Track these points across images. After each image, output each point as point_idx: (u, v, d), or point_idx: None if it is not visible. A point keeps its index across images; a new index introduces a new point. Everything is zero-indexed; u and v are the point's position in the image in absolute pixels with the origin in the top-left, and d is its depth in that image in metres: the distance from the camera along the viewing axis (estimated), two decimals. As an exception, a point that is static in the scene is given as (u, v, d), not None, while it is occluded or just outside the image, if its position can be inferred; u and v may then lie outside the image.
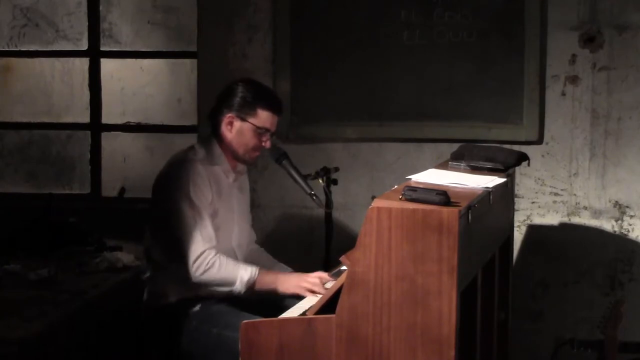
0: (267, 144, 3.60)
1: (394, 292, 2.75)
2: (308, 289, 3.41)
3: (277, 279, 3.48)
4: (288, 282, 3.47)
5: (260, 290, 3.46)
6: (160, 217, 3.52)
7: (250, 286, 3.43)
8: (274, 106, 3.58)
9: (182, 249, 3.41)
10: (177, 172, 3.49)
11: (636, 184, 4.53)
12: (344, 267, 3.27)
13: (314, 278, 3.46)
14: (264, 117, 3.55)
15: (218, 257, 3.42)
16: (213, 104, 3.64)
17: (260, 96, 3.56)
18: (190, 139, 4.98)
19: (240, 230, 3.71)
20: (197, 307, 3.47)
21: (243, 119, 3.55)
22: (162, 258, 3.54)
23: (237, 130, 3.56)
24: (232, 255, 3.62)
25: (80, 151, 5.35)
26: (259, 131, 3.55)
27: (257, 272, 3.45)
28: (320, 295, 3.30)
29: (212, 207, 3.51)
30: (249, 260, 3.73)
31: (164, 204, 3.50)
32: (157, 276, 3.56)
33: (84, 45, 5.28)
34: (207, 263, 3.39)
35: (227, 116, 3.55)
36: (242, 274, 3.43)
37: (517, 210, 4.53)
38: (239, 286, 3.42)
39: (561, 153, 4.58)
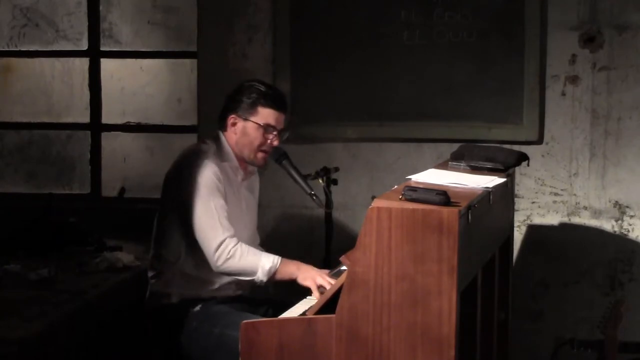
0: (275, 142, 3.59)
1: (394, 292, 2.75)
2: (320, 285, 3.40)
3: (298, 269, 3.46)
4: (307, 273, 3.45)
5: (281, 280, 3.46)
6: (175, 210, 3.51)
7: (272, 275, 3.43)
8: (275, 103, 3.58)
9: (201, 238, 3.42)
10: (193, 163, 3.50)
11: (636, 184, 4.53)
12: (344, 267, 3.27)
13: (331, 278, 3.45)
14: (265, 114, 3.56)
15: (240, 246, 3.42)
16: (222, 105, 3.67)
17: (261, 94, 3.57)
18: (191, 139, 4.98)
19: (246, 230, 3.71)
20: (197, 307, 3.47)
21: (245, 119, 3.56)
22: (171, 254, 3.53)
23: (240, 130, 3.57)
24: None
25: (80, 151, 5.35)
26: (263, 128, 3.55)
27: (279, 261, 3.44)
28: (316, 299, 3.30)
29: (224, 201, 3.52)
30: None
31: (179, 196, 3.49)
32: (161, 275, 3.56)
33: (84, 45, 5.28)
34: (229, 252, 3.40)
35: (231, 117, 3.58)
36: (263, 263, 3.42)
37: (517, 210, 4.53)
38: (260, 275, 3.42)
39: (561, 153, 4.58)
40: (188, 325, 3.45)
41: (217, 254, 3.40)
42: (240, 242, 3.44)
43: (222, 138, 3.61)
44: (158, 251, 3.60)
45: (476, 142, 4.23)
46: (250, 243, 3.76)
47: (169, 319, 3.49)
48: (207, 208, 3.43)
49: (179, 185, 3.50)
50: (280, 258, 3.47)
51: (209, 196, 3.44)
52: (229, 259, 3.40)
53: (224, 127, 3.61)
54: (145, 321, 3.61)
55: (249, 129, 3.56)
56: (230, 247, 3.40)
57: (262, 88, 3.61)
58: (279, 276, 3.44)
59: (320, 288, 3.38)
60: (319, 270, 3.53)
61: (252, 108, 3.55)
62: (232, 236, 3.43)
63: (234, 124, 3.57)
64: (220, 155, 3.57)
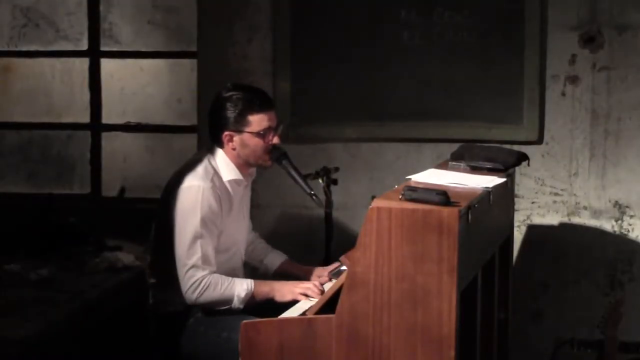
0: (275, 140, 3.56)
1: (394, 292, 2.75)
2: (302, 293, 3.40)
3: (272, 288, 3.45)
4: (283, 289, 3.45)
5: (259, 301, 3.45)
6: (168, 231, 3.47)
7: (248, 301, 3.43)
8: (263, 106, 3.51)
9: (179, 269, 3.40)
10: (188, 196, 3.42)
11: (636, 184, 4.53)
12: (344, 267, 3.27)
13: (308, 283, 3.46)
14: (257, 120, 3.49)
15: (212, 279, 3.40)
16: (208, 123, 3.59)
17: (245, 102, 3.49)
18: (191, 139, 4.99)
19: (245, 228, 3.72)
20: (202, 313, 3.46)
21: (240, 131, 3.49)
22: (170, 265, 3.47)
23: (239, 143, 3.51)
24: (240, 249, 3.65)
25: (80, 151, 5.35)
26: (261, 135, 3.52)
27: (252, 286, 3.43)
28: (315, 299, 3.30)
29: (223, 223, 3.48)
30: (245, 249, 3.75)
31: (171, 222, 3.44)
32: (163, 285, 3.52)
33: (84, 45, 5.28)
34: (202, 286, 3.38)
35: (225, 134, 3.50)
36: (238, 292, 3.40)
37: (517, 210, 4.53)
38: (236, 303, 3.41)
39: (561, 153, 4.58)
40: (195, 330, 3.42)
41: (192, 288, 3.38)
42: (213, 275, 3.41)
43: (221, 155, 3.54)
44: (157, 260, 3.57)
45: (476, 142, 4.22)
46: (248, 234, 3.77)
47: (174, 325, 3.47)
48: (192, 244, 3.38)
49: (174, 210, 3.44)
50: (253, 282, 3.45)
51: (197, 233, 3.39)
52: (203, 292, 3.38)
53: (220, 145, 3.54)
54: (148, 325, 3.59)
55: (247, 140, 3.50)
56: (204, 281, 3.38)
57: (243, 95, 3.52)
58: (255, 299, 3.43)
59: (306, 296, 3.39)
60: (292, 282, 3.51)
61: (243, 119, 3.48)
62: (209, 273, 3.40)
63: (230, 140, 3.50)
64: (222, 173, 3.52)
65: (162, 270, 3.54)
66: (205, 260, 3.40)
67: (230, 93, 3.53)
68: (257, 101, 3.52)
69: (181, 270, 3.40)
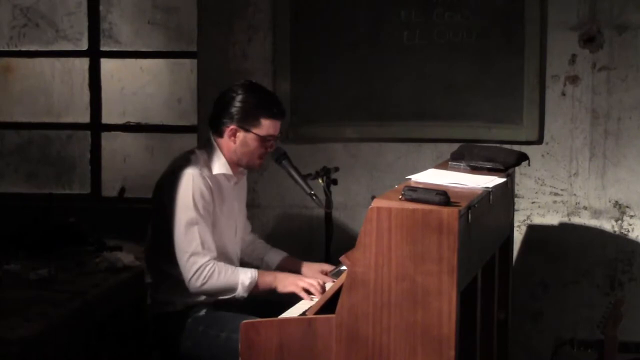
0: (272, 148, 3.58)
1: (394, 292, 2.75)
2: (304, 288, 3.41)
3: (275, 278, 3.48)
4: (286, 280, 3.47)
5: (262, 292, 3.46)
6: (163, 228, 3.48)
7: (252, 289, 3.43)
8: (277, 113, 3.51)
9: (180, 260, 3.40)
10: (179, 184, 3.44)
11: (636, 184, 4.53)
12: (344, 267, 3.27)
13: (312, 280, 3.46)
14: (267, 126, 3.49)
15: (216, 266, 3.40)
16: (211, 111, 3.60)
17: (261, 105, 3.49)
18: (190, 139, 4.98)
19: (240, 225, 3.73)
20: (202, 312, 3.46)
21: (247, 130, 3.49)
22: (166, 265, 3.50)
23: (240, 141, 3.50)
24: (234, 249, 3.65)
25: (80, 151, 5.35)
26: (264, 139, 3.52)
27: (256, 275, 3.44)
28: (316, 297, 3.30)
29: (214, 215, 3.49)
30: (245, 249, 3.78)
31: (166, 216, 3.45)
32: (160, 284, 3.53)
33: (84, 45, 5.28)
34: (206, 273, 3.38)
35: (230, 128, 3.49)
36: (242, 279, 3.41)
37: (517, 210, 4.53)
38: (240, 291, 3.42)
39: (561, 153, 4.58)
40: (194, 330, 3.43)
41: (196, 276, 3.38)
42: (216, 262, 3.41)
43: (216, 147, 3.54)
44: (154, 260, 3.58)
45: (476, 142, 4.23)
46: (243, 233, 3.79)
47: (174, 325, 3.48)
48: (188, 231, 3.40)
49: (167, 206, 3.45)
50: (257, 271, 3.47)
51: (193, 219, 3.40)
52: (207, 280, 3.39)
53: (220, 134, 3.54)
54: (148, 325, 3.59)
55: (250, 140, 3.50)
56: (208, 268, 3.39)
57: (261, 96, 3.52)
58: (259, 289, 3.44)
59: (305, 290, 3.39)
60: (296, 275, 3.54)
61: (254, 119, 3.47)
62: (211, 259, 3.40)
63: (233, 134, 3.49)
64: (212, 167, 3.53)
65: (157, 270, 3.55)
66: (204, 245, 3.40)
67: (247, 89, 3.52)
68: (272, 106, 3.53)
69: (182, 259, 3.40)
